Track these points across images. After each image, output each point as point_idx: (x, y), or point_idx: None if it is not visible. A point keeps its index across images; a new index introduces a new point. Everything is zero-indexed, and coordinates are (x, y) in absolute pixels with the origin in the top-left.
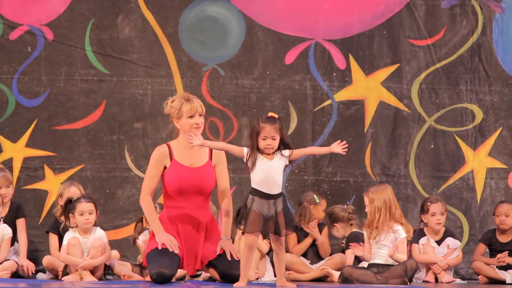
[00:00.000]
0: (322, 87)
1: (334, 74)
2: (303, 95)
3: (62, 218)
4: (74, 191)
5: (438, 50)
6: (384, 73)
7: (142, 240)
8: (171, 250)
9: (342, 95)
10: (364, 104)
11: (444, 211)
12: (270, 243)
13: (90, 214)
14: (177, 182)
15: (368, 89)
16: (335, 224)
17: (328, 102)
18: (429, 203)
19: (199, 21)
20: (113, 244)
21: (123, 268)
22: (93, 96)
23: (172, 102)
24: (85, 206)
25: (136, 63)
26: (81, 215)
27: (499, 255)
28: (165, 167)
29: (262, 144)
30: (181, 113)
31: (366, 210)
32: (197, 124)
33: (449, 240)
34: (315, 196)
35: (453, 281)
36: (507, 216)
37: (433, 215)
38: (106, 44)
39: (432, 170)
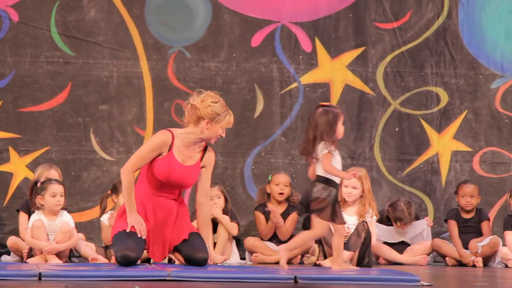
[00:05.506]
0: (289, 70)
1: (300, 57)
2: (269, 78)
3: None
4: (53, 174)
5: (404, 33)
6: (350, 56)
7: (105, 218)
8: (139, 235)
9: (308, 78)
10: (330, 87)
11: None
12: (238, 225)
13: (61, 196)
14: (166, 174)
15: (334, 72)
16: None
17: (295, 85)
18: None
19: (166, 3)
20: (78, 226)
21: (88, 249)
22: (59, 78)
23: (214, 103)
24: (57, 188)
25: (102, 45)
26: (53, 196)
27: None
28: (160, 154)
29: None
30: (219, 120)
31: None
32: (222, 136)
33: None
34: (270, 175)
35: None
36: (472, 197)
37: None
38: (72, 26)
39: (397, 153)
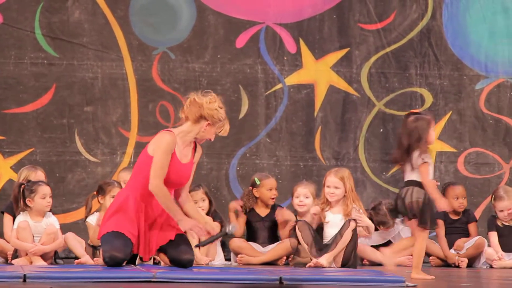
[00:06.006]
0: (273, 71)
1: (285, 58)
2: (254, 79)
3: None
4: (40, 175)
5: (388, 34)
6: (334, 57)
7: (91, 220)
8: (201, 236)
9: (292, 79)
10: (314, 88)
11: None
12: (221, 224)
13: (50, 197)
14: (169, 173)
15: (318, 73)
16: None
17: (279, 86)
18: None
19: (150, 4)
20: (63, 228)
21: (78, 244)
22: (43, 79)
23: (220, 108)
24: (46, 189)
25: (86, 46)
26: (44, 198)
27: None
28: None
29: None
30: (219, 126)
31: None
32: (210, 140)
33: None
34: (256, 178)
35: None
36: (464, 197)
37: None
38: (56, 27)
39: (381, 154)
